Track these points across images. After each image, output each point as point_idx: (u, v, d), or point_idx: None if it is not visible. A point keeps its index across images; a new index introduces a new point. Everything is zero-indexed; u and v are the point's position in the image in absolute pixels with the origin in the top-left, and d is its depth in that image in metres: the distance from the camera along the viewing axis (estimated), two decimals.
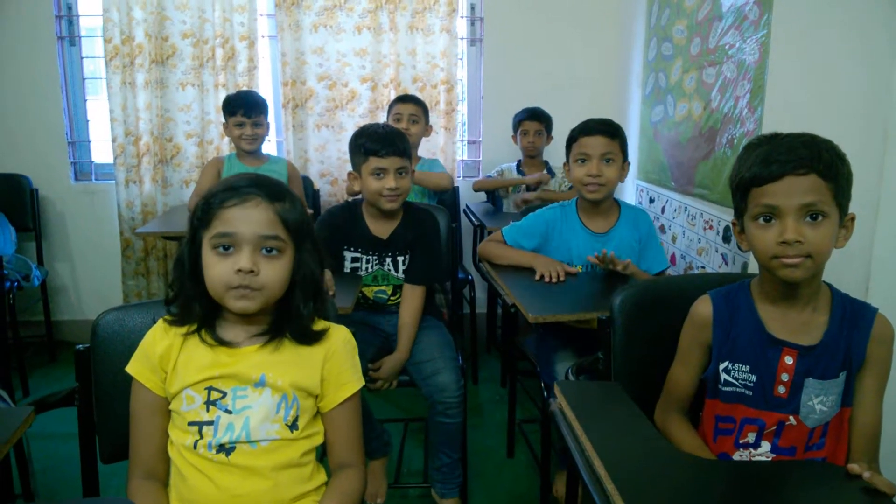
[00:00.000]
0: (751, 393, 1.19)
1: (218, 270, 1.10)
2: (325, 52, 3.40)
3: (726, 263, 2.37)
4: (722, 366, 1.22)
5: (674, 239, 2.81)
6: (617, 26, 3.46)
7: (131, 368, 1.17)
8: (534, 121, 3.20)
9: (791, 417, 1.17)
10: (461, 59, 3.54)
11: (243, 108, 2.84)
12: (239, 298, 1.11)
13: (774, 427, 1.18)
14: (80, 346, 1.26)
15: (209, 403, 1.14)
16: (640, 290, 1.43)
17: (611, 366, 1.39)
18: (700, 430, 1.29)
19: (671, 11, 2.80)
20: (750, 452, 1.20)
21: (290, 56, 3.38)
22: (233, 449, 1.13)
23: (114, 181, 3.37)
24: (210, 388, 1.14)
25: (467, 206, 3.32)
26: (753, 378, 1.19)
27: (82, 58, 3.46)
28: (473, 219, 3.10)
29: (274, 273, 1.12)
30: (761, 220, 1.13)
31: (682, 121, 2.71)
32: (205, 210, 1.12)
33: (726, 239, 2.36)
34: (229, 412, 1.14)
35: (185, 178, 3.40)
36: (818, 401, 1.16)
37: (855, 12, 1.63)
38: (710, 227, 2.47)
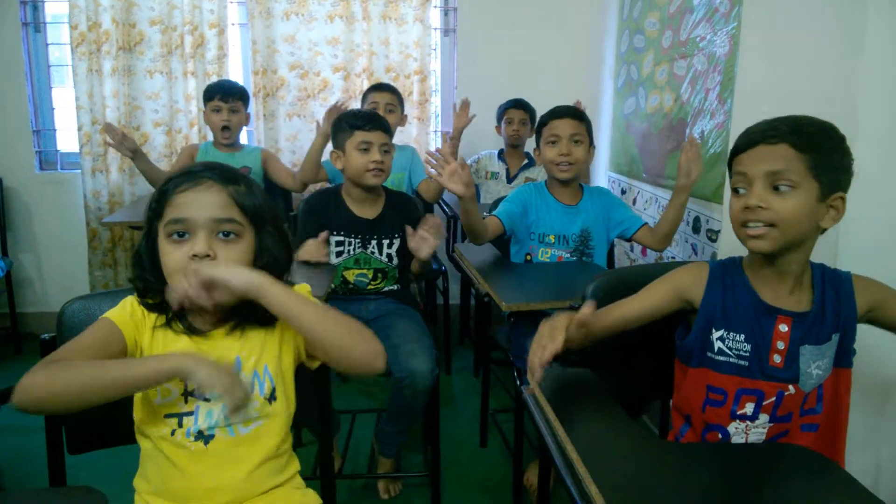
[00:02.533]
0: (746, 363, 1.20)
1: (173, 258, 1.07)
2: (296, 41, 3.37)
3: (696, 253, 2.40)
4: (717, 334, 1.22)
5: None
6: (590, 18, 3.47)
7: (109, 314, 1.12)
8: (519, 109, 3.21)
9: (791, 387, 1.19)
10: (435, 49, 3.53)
11: (220, 93, 2.82)
12: None
13: (774, 398, 1.19)
14: (45, 336, 1.23)
15: (187, 394, 1.12)
16: (612, 278, 1.45)
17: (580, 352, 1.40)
18: (684, 396, 1.28)
19: (643, 4, 2.82)
20: (747, 425, 1.21)
21: (261, 44, 3.34)
22: (212, 437, 1.11)
23: (80, 170, 3.31)
24: (186, 379, 1.13)
25: (441, 198, 3.32)
26: (748, 347, 1.20)
27: (47, 44, 3.38)
28: (447, 210, 3.09)
29: (232, 257, 1.09)
30: (736, 192, 1.16)
31: (653, 113, 2.73)
32: (158, 199, 1.09)
33: (696, 229, 2.39)
34: (208, 400, 1.12)
35: None
36: (815, 366, 1.18)
37: (823, 5, 1.65)
38: None
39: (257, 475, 1.14)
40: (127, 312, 1.13)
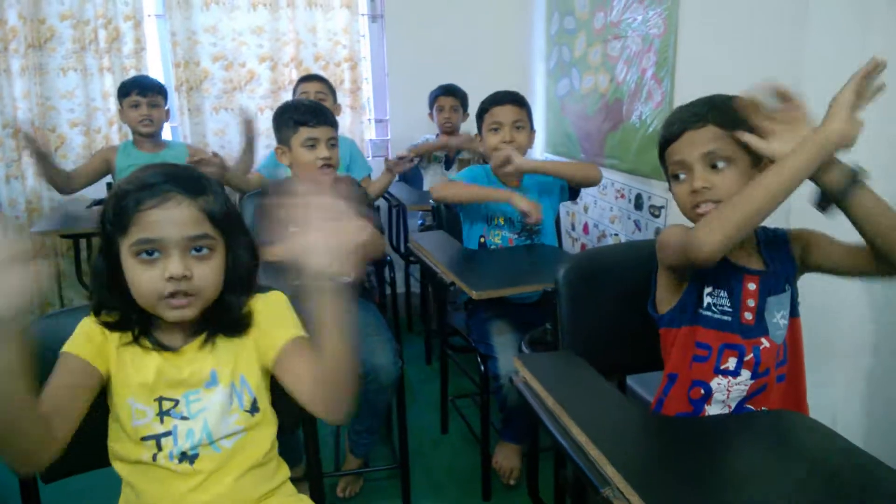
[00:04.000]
0: (729, 319, 1.25)
1: (145, 279, 1.01)
2: (218, 31, 3.25)
3: (639, 229, 2.48)
4: (707, 290, 1.27)
5: (585, 209, 2.91)
6: (518, 0, 3.49)
7: (66, 347, 1.05)
8: (449, 96, 3.19)
9: (764, 340, 1.25)
10: (363, 36, 3.47)
11: (137, 88, 2.68)
12: (174, 308, 1.02)
13: (752, 354, 1.24)
14: None
15: (162, 414, 1.07)
16: (583, 261, 1.48)
17: (559, 335, 1.43)
18: (674, 353, 1.31)
19: None
20: (729, 381, 1.26)
21: (181, 36, 3.20)
22: (196, 456, 1.08)
23: None
24: (161, 399, 1.08)
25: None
26: (729, 303, 1.26)
27: None
28: (391, 199, 3.07)
29: (208, 274, 1.04)
30: (677, 178, 1.23)
31: (588, 93, 2.79)
32: (118, 213, 1.01)
33: (638, 206, 2.47)
34: (185, 419, 1.08)
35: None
36: (780, 315, 1.26)
37: None
38: (622, 196, 2.57)
39: (245, 483, 1.11)
40: (87, 339, 1.07)
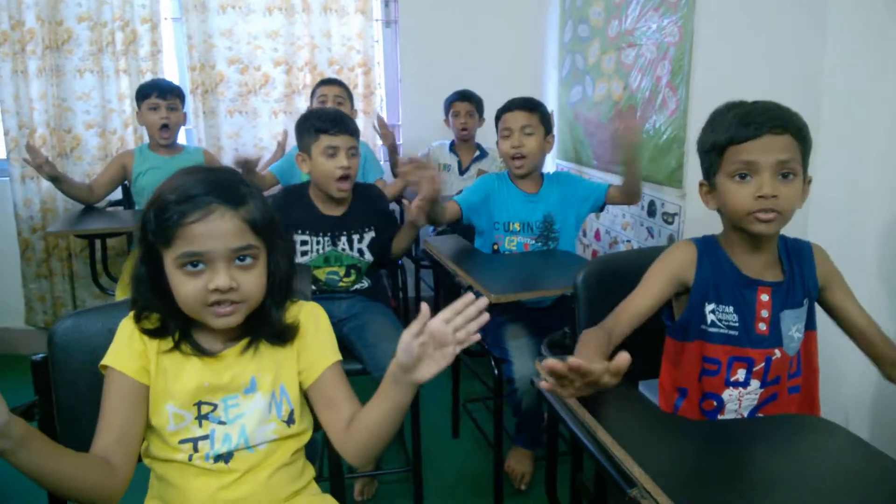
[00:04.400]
0: (736, 333, 1.27)
1: (191, 290, 1.02)
2: (234, 35, 3.27)
3: (652, 236, 2.49)
4: (709, 307, 1.29)
5: (597, 215, 2.92)
6: (531, 6, 3.51)
7: (109, 360, 1.07)
8: (464, 101, 3.21)
9: (776, 351, 1.27)
10: (377, 41, 3.50)
11: (157, 90, 2.72)
12: (219, 317, 1.04)
13: (762, 364, 1.26)
14: (36, 356, 1.17)
15: (201, 418, 1.09)
16: (602, 265, 1.49)
17: (576, 339, 1.44)
18: (681, 371, 1.34)
19: None
20: (739, 391, 1.28)
21: (197, 39, 3.22)
22: (231, 456, 1.09)
23: (8, 178, 3.12)
24: (200, 403, 1.09)
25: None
26: (737, 318, 1.27)
27: None
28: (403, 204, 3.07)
29: (253, 282, 1.05)
30: (737, 178, 1.21)
31: (601, 101, 2.80)
32: (161, 226, 1.01)
33: (651, 213, 2.48)
34: (223, 423, 1.10)
35: (88, 172, 3.17)
36: (795, 328, 1.27)
37: None
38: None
39: (276, 481, 1.12)
40: (129, 350, 1.08)
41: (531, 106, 2.25)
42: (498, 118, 2.29)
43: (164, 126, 2.75)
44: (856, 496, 0.89)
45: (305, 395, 1.17)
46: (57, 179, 2.57)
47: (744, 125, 1.19)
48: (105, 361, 1.07)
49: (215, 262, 1.02)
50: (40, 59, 3.01)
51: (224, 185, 1.04)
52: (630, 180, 2.17)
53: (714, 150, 1.25)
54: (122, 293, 2.51)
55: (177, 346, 1.09)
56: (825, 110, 1.58)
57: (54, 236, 3.11)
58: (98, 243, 2.83)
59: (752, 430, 1.09)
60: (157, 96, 2.71)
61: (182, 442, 1.08)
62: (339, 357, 1.19)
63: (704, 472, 0.92)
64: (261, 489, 1.10)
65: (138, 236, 1.07)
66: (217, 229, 1.01)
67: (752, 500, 0.87)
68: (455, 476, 2.26)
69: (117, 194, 2.98)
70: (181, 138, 2.94)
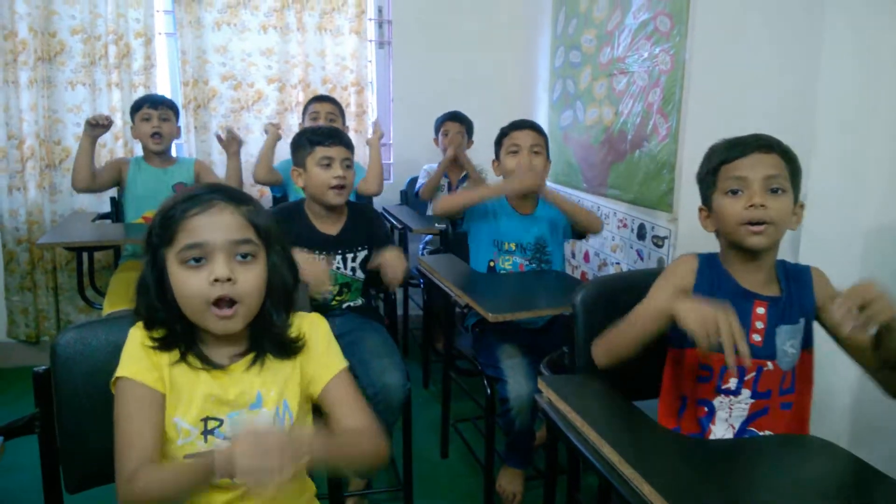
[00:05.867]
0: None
1: (192, 285, 1.03)
2: (228, 51, 3.29)
3: (641, 259, 2.53)
4: None
5: (587, 237, 2.95)
6: (523, 32, 3.57)
7: (125, 371, 1.06)
8: (455, 122, 3.25)
9: (769, 363, 1.31)
10: (370, 61, 3.53)
11: (149, 102, 2.72)
12: (220, 319, 1.05)
13: (754, 374, 1.31)
14: (38, 368, 1.16)
15: (206, 433, 1.09)
16: (599, 286, 1.51)
17: (575, 359, 1.46)
18: (681, 378, 1.38)
19: (579, 21, 2.94)
20: (730, 399, 1.32)
21: (191, 54, 3.23)
22: None
23: None
24: (206, 419, 1.09)
25: (384, 209, 3.32)
26: None
27: None
28: (395, 221, 3.09)
29: (251, 279, 1.06)
30: (730, 193, 1.29)
31: (592, 125, 2.85)
32: (164, 226, 1.04)
33: (641, 236, 2.52)
34: (228, 439, 1.09)
35: None
36: (789, 344, 1.32)
37: (775, 21, 1.78)
38: (625, 226, 2.62)
39: (279, 497, 1.11)
40: (142, 360, 1.07)
41: (539, 129, 2.33)
42: (504, 135, 2.32)
43: (156, 134, 2.74)
44: None
45: (316, 405, 1.18)
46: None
47: (734, 147, 1.30)
48: (120, 373, 1.06)
49: (215, 253, 1.03)
50: (32, 70, 2.99)
51: (228, 188, 1.10)
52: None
53: (709, 172, 1.34)
54: (109, 307, 2.48)
55: (184, 359, 1.09)
56: (819, 138, 1.63)
57: (41, 248, 3.07)
58: (85, 256, 2.81)
59: (758, 449, 1.11)
60: (149, 107, 2.72)
61: (188, 457, 1.07)
62: (345, 364, 1.20)
63: (714, 490, 0.94)
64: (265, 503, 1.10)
65: (144, 243, 1.08)
66: (218, 221, 1.04)
67: None
68: (445, 495, 2.25)
69: (105, 206, 2.96)
70: (172, 153, 2.93)
